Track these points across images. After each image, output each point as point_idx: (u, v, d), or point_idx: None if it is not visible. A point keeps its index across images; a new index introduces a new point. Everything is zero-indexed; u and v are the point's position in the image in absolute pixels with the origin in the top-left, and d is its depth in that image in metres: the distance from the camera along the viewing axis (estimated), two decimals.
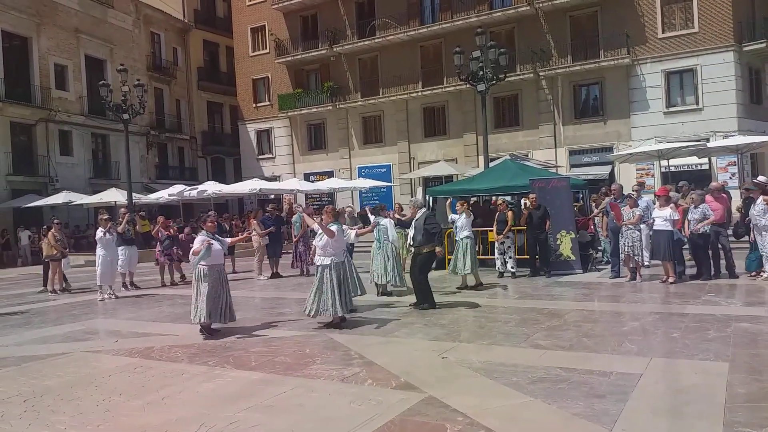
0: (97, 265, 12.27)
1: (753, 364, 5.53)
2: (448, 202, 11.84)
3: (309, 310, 7.95)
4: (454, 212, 11.20)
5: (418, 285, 9.23)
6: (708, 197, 11.20)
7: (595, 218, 13.85)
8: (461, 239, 10.80)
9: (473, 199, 17.04)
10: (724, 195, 11.63)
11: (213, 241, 7.92)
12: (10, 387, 5.85)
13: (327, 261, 7.95)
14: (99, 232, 12.45)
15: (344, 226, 9.49)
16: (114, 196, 25.50)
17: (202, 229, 8.33)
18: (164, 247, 14.16)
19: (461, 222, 10.92)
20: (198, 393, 5.40)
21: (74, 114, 29.85)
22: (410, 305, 9.32)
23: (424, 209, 9.62)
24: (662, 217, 10.48)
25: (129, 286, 13.56)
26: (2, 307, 11.82)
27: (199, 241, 7.91)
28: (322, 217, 8.32)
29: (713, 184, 12.11)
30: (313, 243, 8.44)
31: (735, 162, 21.25)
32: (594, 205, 14.38)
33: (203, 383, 5.68)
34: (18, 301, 12.78)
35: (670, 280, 10.40)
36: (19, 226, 26.06)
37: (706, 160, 22.85)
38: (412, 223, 9.52)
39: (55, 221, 14.65)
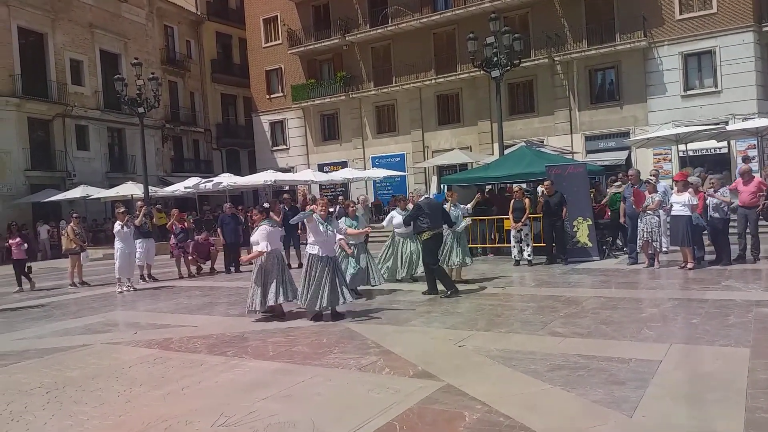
0: (115, 258, 12.43)
1: None
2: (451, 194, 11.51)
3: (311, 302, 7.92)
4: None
5: (431, 273, 9.32)
6: (739, 180, 11.03)
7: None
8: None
9: (488, 187, 16.96)
10: (756, 177, 11.43)
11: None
12: (32, 378, 5.95)
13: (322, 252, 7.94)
14: (117, 226, 12.58)
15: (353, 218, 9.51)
16: (130, 189, 25.73)
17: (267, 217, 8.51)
18: (178, 239, 14.29)
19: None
20: (217, 383, 5.44)
21: (90, 109, 30.15)
22: (422, 292, 9.48)
23: (422, 197, 9.69)
24: (680, 202, 10.35)
25: (147, 279, 13.70)
26: (23, 301, 12.02)
27: (264, 232, 8.13)
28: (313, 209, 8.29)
29: (742, 166, 11.89)
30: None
31: (755, 145, 20.87)
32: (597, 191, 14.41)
33: (222, 373, 5.72)
34: (38, 294, 12.97)
35: (689, 265, 10.28)
36: (38, 220, 26.45)
37: (725, 143, 22.48)
38: None
39: (74, 215, 14.84)
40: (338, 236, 8.18)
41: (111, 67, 30.98)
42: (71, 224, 14.00)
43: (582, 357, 5.46)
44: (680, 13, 24.34)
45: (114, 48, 32.06)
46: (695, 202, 10.38)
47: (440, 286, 9.26)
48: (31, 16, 27.72)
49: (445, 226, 9.72)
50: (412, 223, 9.47)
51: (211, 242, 15.18)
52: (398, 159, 31.11)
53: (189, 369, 5.94)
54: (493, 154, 24.21)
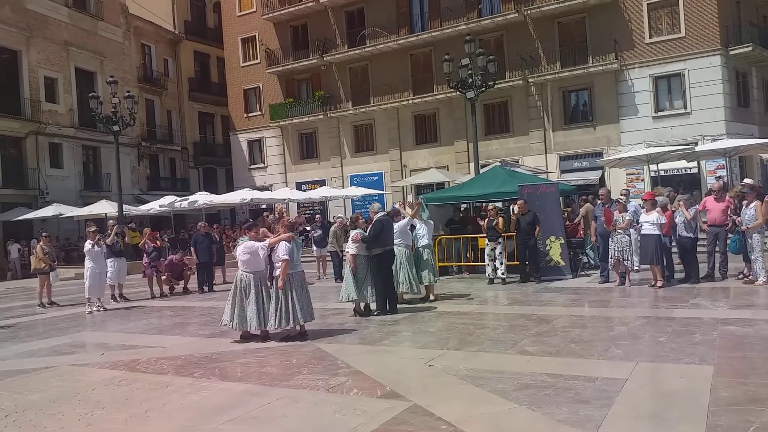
0: (85, 277, 12.20)
1: (738, 367, 5.54)
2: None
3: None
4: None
5: (381, 290, 9.33)
6: (710, 198, 11.22)
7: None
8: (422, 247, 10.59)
9: (463, 206, 17.06)
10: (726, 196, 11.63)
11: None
12: None
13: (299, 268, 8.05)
14: (87, 245, 12.38)
15: (355, 232, 9.41)
16: (105, 208, 25.36)
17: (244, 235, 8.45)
18: (151, 258, 14.10)
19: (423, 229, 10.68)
20: (182, 405, 5.35)
21: (64, 126, 29.74)
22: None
23: (380, 213, 9.68)
24: (649, 221, 10.52)
25: (118, 299, 13.48)
26: None
27: (248, 248, 7.98)
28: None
29: (714, 184, 12.10)
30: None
31: (723, 165, 21.36)
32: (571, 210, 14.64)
33: (188, 395, 5.63)
34: (6, 314, 12.67)
35: (659, 284, 10.42)
36: (8, 239, 25.93)
37: (695, 163, 22.96)
38: None
39: (44, 234, 14.59)
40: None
41: (86, 85, 30.71)
42: (40, 243, 13.75)
43: (549, 376, 5.48)
44: (650, 37, 24.94)
45: (90, 66, 31.79)
46: (663, 221, 10.55)
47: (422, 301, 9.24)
48: (5, 33, 27.39)
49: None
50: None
51: (186, 264, 14.93)
52: (376, 178, 31.20)
53: (154, 391, 5.84)
54: (469, 173, 24.38)
